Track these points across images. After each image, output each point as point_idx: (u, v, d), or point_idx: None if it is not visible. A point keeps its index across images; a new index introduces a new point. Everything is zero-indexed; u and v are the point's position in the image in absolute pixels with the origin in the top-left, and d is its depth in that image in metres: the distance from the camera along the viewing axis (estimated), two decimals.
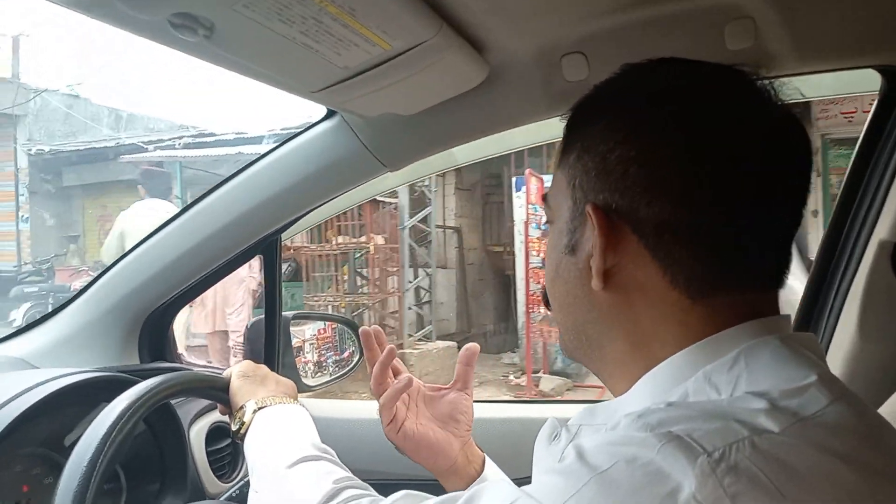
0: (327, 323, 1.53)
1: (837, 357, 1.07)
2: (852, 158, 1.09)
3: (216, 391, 0.94)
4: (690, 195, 0.52)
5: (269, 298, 1.32)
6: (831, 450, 0.43)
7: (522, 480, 0.51)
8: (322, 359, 1.49)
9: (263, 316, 1.33)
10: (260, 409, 0.88)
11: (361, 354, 1.55)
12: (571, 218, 0.59)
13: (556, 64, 0.93)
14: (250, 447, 0.85)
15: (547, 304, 0.67)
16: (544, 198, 0.66)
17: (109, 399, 0.81)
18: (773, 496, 0.40)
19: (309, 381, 1.40)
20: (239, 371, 0.96)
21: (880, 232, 1.03)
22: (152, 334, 1.31)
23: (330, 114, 1.07)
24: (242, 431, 0.87)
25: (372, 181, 1.17)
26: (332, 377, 1.46)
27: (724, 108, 0.54)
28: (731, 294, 0.54)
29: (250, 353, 1.34)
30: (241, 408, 0.89)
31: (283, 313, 1.36)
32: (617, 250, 0.55)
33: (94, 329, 1.26)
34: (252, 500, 0.80)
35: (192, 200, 1.20)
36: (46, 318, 1.29)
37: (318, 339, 1.49)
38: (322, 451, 0.82)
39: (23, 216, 11.82)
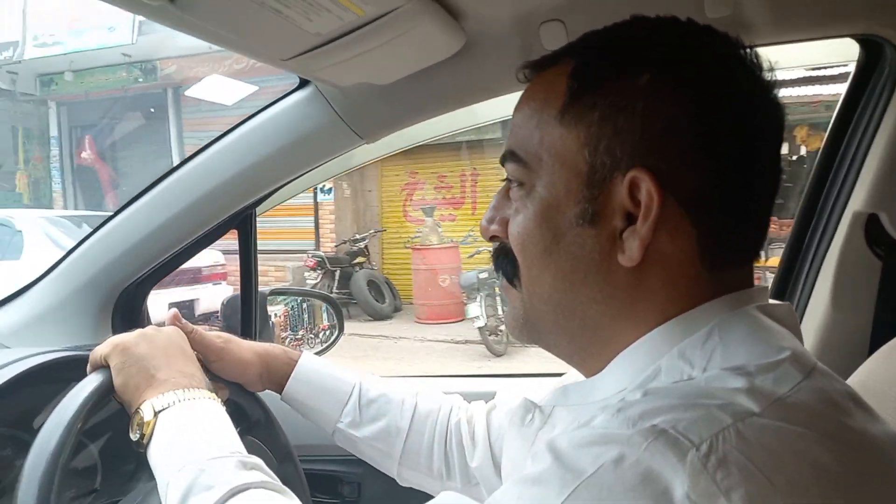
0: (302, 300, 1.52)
1: (810, 327, 1.08)
2: (829, 130, 1.09)
3: (105, 392, 0.75)
4: (734, 164, 0.52)
5: (245, 274, 1.30)
6: (808, 430, 0.43)
7: None
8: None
9: (239, 292, 1.31)
10: (161, 410, 0.71)
11: (341, 330, 1.55)
12: (587, 184, 0.53)
13: (533, 32, 0.91)
14: (159, 462, 0.68)
15: (510, 277, 0.61)
16: (512, 155, 0.58)
17: (81, 378, 0.79)
18: (763, 485, 0.40)
19: None
20: (118, 361, 0.76)
21: (855, 203, 1.04)
22: (126, 311, 1.28)
23: (303, 83, 1.04)
24: (145, 440, 0.70)
25: (349, 153, 1.15)
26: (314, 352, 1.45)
27: (747, 76, 0.53)
28: (736, 266, 0.55)
29: (226, 331, 1.32)
30: (138, 411, 0.72)
31: (260, 289, 1.34)
32: (658, 221, 0.50)
33: (66, 307, 1.23)
34: None
35: (164, 173, 1.17)
36: (16, 295, 1.26)
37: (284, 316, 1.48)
38: (251, 465, 0.68)
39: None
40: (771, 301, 0.56)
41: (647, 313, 0.53)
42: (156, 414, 0.70)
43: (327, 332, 1.61)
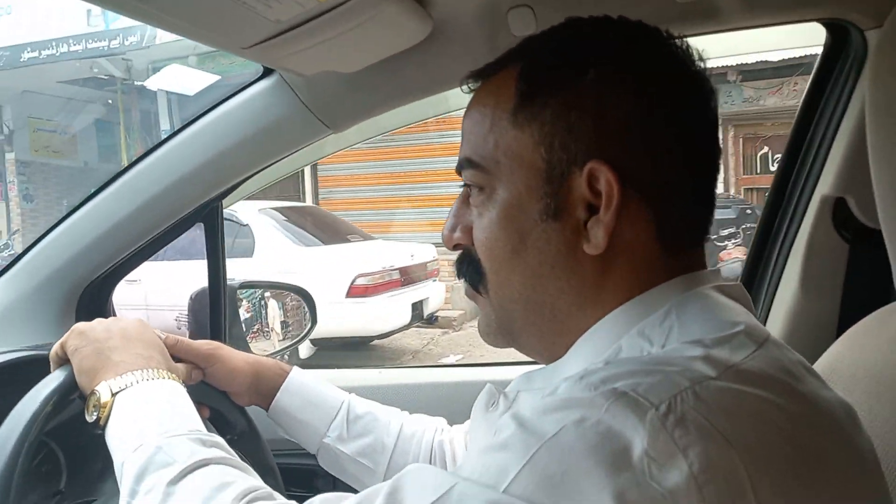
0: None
1: (779, 311, 1.10)
2: (797, 114, 1.10)
3: (66, 391, 0.74)
4: (681, 150, 0.54)
5: (213, 267, 1.27)
6: (762, 392, 0.45)
7: None
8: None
9: (207, 286, 1.28)
10: (120, 391, 0.70)
11: (314, 322, 1.53)
12: (546, 180, 0.55)
13: (502, 17, 0.89)
14: (116, 445, 0.67)
15: (475, 284, 0.61)
16: (468, 162, 0.59)
17: (41, 379, 0.77)
18: (720, 443, 0.41)
19: (258, 352, 1.36)
20: (73, 345, 0.76)
21: (823, 188, 1.04)
22: (90, 308, 1.25)
23: (267, 72, 1.01)
24: (102, 422, 0.69)
25: (317, 143, 1.13)
26: (282, 346, 1.44)
27: (682, 68, 0.56)
28: (690, 248, 0.57)
29: (195, 325, 1.30)
30: (94, 392, 0.70)
31: (229, 282, 1.32)
32: (619, 209, 0.53)
33: (27, 304, 1.19)
34: None
35: (127, 165, 1.13)
36: None
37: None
38: (210, 443, 0.66)
39: None
40: (724, 283, 0.58)
41: (612, 299, 0.55)
42: (113, 395, 0.69)
43: (298, 325, 1.59)
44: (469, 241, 0.61)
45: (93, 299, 1.24)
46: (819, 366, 0.83)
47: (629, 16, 0.59)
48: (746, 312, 0.55)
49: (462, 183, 0.62)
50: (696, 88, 0.56)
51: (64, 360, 0.77)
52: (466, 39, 0.93)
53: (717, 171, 0.58)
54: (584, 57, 0.55)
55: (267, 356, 1.39)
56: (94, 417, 0.69)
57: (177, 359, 0.83)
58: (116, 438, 0.67)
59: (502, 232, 0.57)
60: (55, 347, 0.79)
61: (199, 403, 0.82)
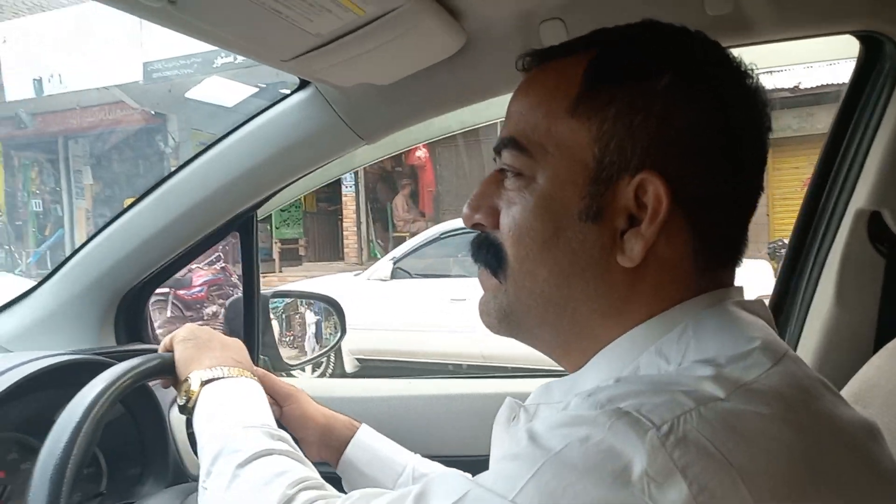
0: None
1: (814, 326, 1.08)
2: (830, 127, 1.09)
3: (159, 370, 0.84)
4: (737, 169, 0.53)
5: (247, 277, 1.30)
6: (772, 410, 0.45)
7: (479, 459, 0.50)
8: None
9: (241, 295, 1.31)
10: (208, 381, 0.78)
11: (343, 332, 1.55)
12: (593, 180, 0.52)
13: (534, 30, 0.91)
14: (199, 430, 0.75)
15: (494, 270, 0.59)
16: (512, 143, 0.56)
17: (86, 382, 0.79)
18: (721, 464, 0.41)
19: (290, 360, 1.39)
20: (181, 336, 0.86)
21: (857, 201, 1.03)
22: (129, 314, 1.28)
23: (303, 84, 1.04)
24: (190, 406, 0.78)
25: (349, 154, 1.15)
26: (312, 355, 1.45)
27: (745, 84, 0.55)
28: (721, 268, 0.56)
29: (229, 334, 1.32)
30: (186, 379, 0.79)
31: (262, 292, 1.34)
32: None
33: (69, 310, 1.23)
34: (202, 498, 0.70)
35: (165, 176, 1.17)
36: (18, 299, 1.26)
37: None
38: (276, 437, 0.72)
39: None
40: (745, 299, 0.57)
41: (636, 312, 0.54)
42: (202, 384, 0.78)
43: (329, 335, 1.61)
44: (492, 224, 0.58)
45: (132, 306, 1.28)
46: (857, 380, 0.81)
47: None
48: (765, 327, 0.54)
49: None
50: (758, 111, 0.55)
51: (168, 349, 0.86)
52: (499, 52, 0.94)
53: (760, 193, 0.56)
54: (659, 60, 0.52)
55: (300, 364, 1.42)
56: (184, 401, 0.78)
57: None
58: (200, 423, 0.75)
59: (537, 222, 0.54)
60: (166, 338, 0.88)
61: None
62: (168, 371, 0.84)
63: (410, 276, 5.62)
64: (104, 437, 0.95)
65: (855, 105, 1.05)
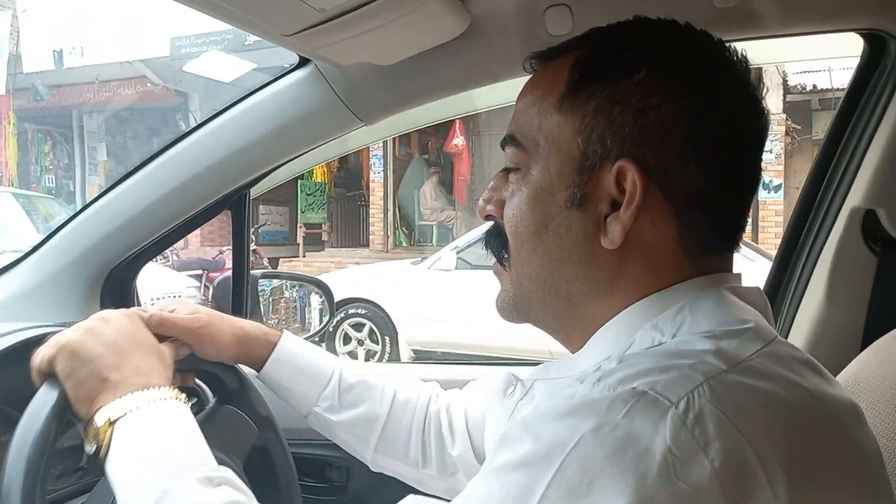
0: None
1: (805, 320, 1.09)
2: (830, 124, 1.09)
3: (54, 416, 0.67)
4: (720, 162, 0.55)
5: (237, 256, 1.29)
6: (769, 386, 0.47)
7: None
8: None
9: (231, 273, 1.30)
10: (118, 418, 0.63)
11: (332, 315, 1.54)
12: (578, 170, 0.56)
13: (539, 16, 0.90)
14: (116, 481, 0.61)
15: (500, 257, 0.64)
16: (511, 139, 0.61)
17: None
18: (734, 436, 0.43)
19: None
20: (59, 359, 0.68)
21: (853, 199, 1.04)
22: (115, 289, 1.26)
23: (303, 62, 1.02)
24: (102, 454, 0.63)
25: (345, 135, 1.14)
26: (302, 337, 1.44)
27: (736, 80, 0.57)
28: (715, 254, 0.58)
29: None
30: (91, 420, 0.64)
31: (252, 272, 1.33)
32: (640, 209, 0.54)
33: (55, 283, 1.21)
34: None
35: (157, 150, 1.15)
36: (3, 271, 1.24)
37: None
38: (218, 481, 0.61)
39: None
40: (742, 286, 0.59)
41: (627, 293, 0.56)
42: (111, 423, 0.63)
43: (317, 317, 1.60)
44: (500, 214, 0.62)
45: (118, 280, 1.26)
46: (844, 376, 0.82)
47: (665, 17, 0.59)
48: (757, 313, 0.56)
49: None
50: (746, 104, 0.57)
51: (49, 376, 0.70)
52: (503, 37, 0.94)
53: (756, 181, 0.58)
54: (637, 55, 0.55)
55: None
56: (94, 448, 0.64)
57: (164, 337, 0.79)
58: (118, 473, 0.62)
59: (529, 212, 0.58)
60: (39, 361, 0.70)
61: (189, 370, 0.86)
62: (60, 412, 0.67)
63: (471, 266, 5.56)
64: None
65: (857, 103, 1.05)
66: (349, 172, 11.51)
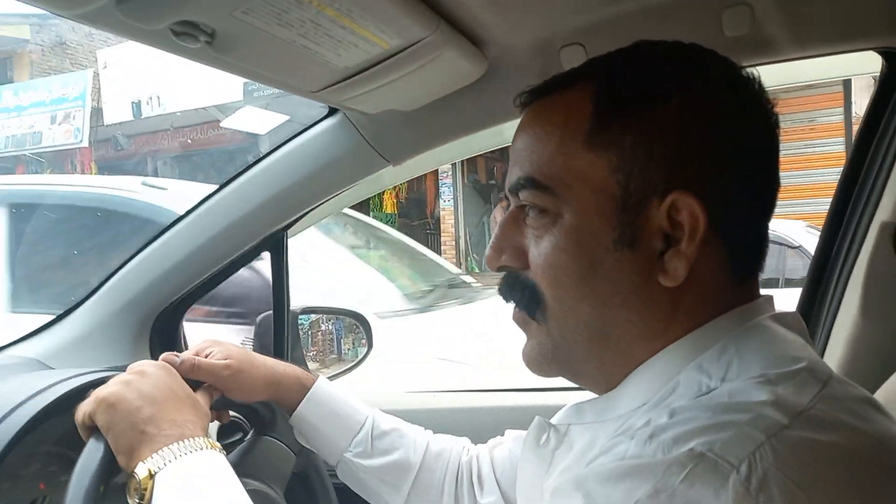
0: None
1: (840, 337, 1.08)
2: (853, 141, 1.09)
3: (102, 474, 0.69)
4: (756, 179, 0.54)
5: (278, 294, 1.33)
6: (835, 439, 0.44)
7: None
8: None
9: (272, 311, 1.34)
10: (157, 471, 0.65)
11: (370, 346, 1.58)
12: (622, 208, 0.53)
13: (554, 55, 0.93)
14: None
15: (531, 311, 0.58)
16: (531, 182, 0.56)
17: None
18: (800, 500, 0.40)
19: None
20: (99, 414, 0.70)
21: (882, 214, 1.03)
22: (163, 332, 1.32)
23: (332, 111, 1.07)
24: None
25: (375, 176, 1.18)
26: (340, 370, 1.48)
27: (752, 95, 0.56)
28: (753, 275, 0.57)
29: (259, 349, 1.36)
30: (133, 474, 0.66)
31: (292, 308, 1.37)
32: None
33: (106, 328, 1.27)
34: None
35: (200, 200, 1.21)
36: (60, 318, 1.31)
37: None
38: None
39: None
40: (778, 311, 0.57)
41: (677, 331, 0.54)
42: (151, 476, 0.65)
43: (353, 349, 1.64)
44: (520, 264, 0.58)
45: (166, 324, 1.32)
46: (882, 393, 0.82)
47: None
48: (805, 345, 0.54)
49: (518, 202, 0.59)
50: (765, 119, 0.56)
51: (93, 430, 0.72)
52: (520, 76, 0.96)
53: (775, 202, 0.57)
54: (667, 82, 0.53)
55: (331, 378, 1.44)
56: (136, 501, 0.65)
57: (197, 383, 0.82)
58: None
59: (570, 259, 0.54)
60: (81, 416, 0.73)
61: (223, 408, 0.87)
62: (107, 467, 0.69)
63: None
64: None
65: (879, 118, 1.05)
66: (412, 202, 11.56)
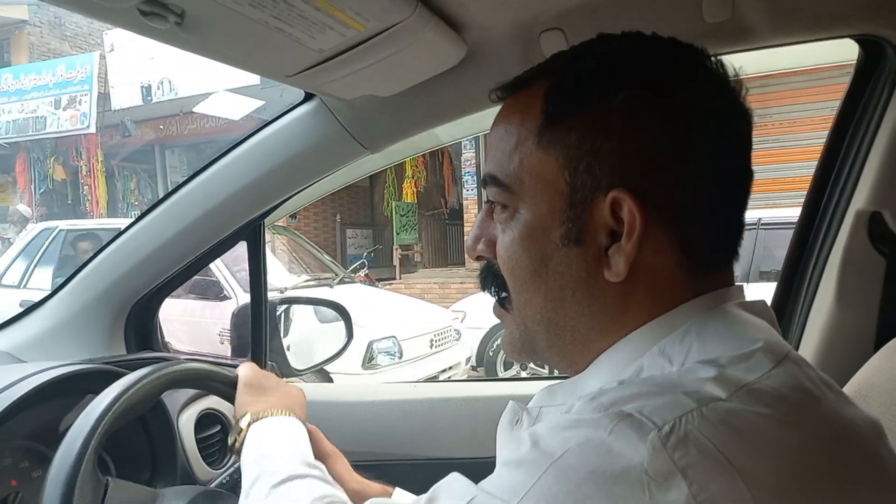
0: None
1: (815, 326, 1.09)
2: (830, 129, 1.09)
3: (224, 388, 0.93)
4: (711, 174, 0.53)
5: (255, 284, 1.32)
6: (773, 412, 0.45)
7: (483, 461, 0.51)
8: None
9: (249, 301, 1.33)
10: (254, 421, 0.85)
11: (350, 337, 1.57)
12: (569, 204, 0.54)
13: (534, 41, 0.92)
14: (244, 462, 0.81)
15: (501, 300, 0.61)
16: (493, 180, 0.58)
17: (97, 390, 0.81)
18: (722, 464, 0.41)
19: (297, 366, 1.40)
20: (244, 380, 0.91)
21: (857, 202, 1.04)
22: (138, 323, 1.30)
23: (308, 97, 1.06)
24: (237, 446, 0.84)
25: (353, 163, 1.16)
26: (320, 361, 1.47)
27: (716, 86, 0.55)
28: (716, 270, 0.56)
29: (237, 340, 1.34)
30: (238, 421, 0.86)
31: (270, 298, 1.36)
32: (642, 237, 0.52)
33: (80, 320, 1.25)
34: None
35: (173, 188, 1.19)
36: (31, 310, 1.28)
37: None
38: (311, 466, 0.78)
39: None
40: (747, 300, 0.57)
41: (633, 321, 0.55)
42: (249, 424, 0.84)
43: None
44: (492, 254, 0.60)
45: (141, 315, 1.30)
46: (856, 380, 0.83)
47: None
48: (768, 328, 0.54)
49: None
50: (730, 111, 0.55)
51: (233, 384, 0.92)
52: (500, 61, 0.95)
53: (747, 192, 0.57)
54: (612, 79, 0.53)
55: (307, 369, 1.43)
56: (232, 440, 0.85)
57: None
58: (245, 453, 0.81)
59: (524, 253, 0.56)
60: (236, 372, 0.93)
61: None
62: (228, 390, 0.92)
63: None
64: (115, 443, 0.97)
65: (854, 107, 1.06)
66: (428, 191, 11.38)
